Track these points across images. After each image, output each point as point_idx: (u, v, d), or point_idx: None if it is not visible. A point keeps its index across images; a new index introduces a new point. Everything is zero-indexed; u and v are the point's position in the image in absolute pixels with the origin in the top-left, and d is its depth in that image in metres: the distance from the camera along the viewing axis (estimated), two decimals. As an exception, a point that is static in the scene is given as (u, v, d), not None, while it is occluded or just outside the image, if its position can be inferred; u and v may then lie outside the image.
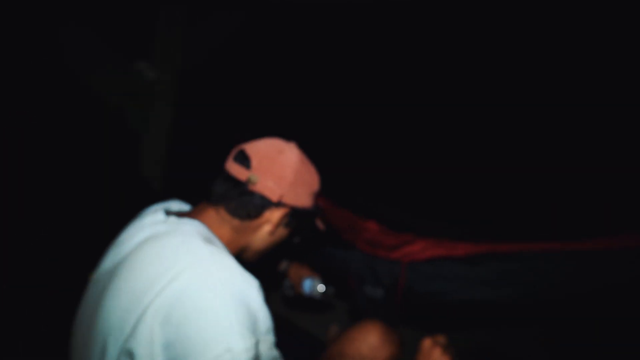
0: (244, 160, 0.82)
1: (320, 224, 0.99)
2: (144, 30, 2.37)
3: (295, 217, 0.87)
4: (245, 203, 0.81)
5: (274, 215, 0.83)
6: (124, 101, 2.26)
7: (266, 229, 0.84)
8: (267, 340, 0.68)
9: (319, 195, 1.91)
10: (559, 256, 1.34)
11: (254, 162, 0.81)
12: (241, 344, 0.62)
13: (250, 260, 0.90)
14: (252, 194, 0.81)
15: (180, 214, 0.84)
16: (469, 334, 1.86)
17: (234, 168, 0.82)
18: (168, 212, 0.84)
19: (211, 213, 0.83)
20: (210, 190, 0.85)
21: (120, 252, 0.78)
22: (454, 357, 0.80)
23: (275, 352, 0.70)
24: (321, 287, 1.39)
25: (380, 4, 4.04)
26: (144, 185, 2.28)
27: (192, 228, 0.76)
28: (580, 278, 1.35)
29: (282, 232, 0.88)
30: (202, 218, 0.81)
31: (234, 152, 0.85)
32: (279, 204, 0.82)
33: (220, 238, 0.81)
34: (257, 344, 0.65)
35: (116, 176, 2.89)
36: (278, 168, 0.81)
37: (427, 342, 0.81)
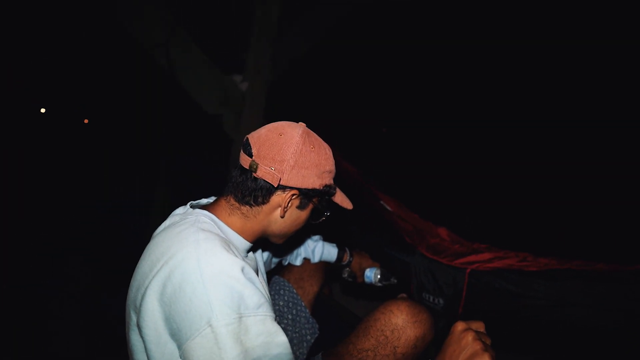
0: (247, 148, 0.84)
1: (347, 204, 0.96)
2: (238, 46, 2.67)
3: (307, 198, 0.87)
4: (250, 190, 0.83)
5: (282, 199, 0.84)
6: (220, 109, 2.56)
7: (277, 213, 0.86)
8: (258, 315, 0.71)
9: (383, 195, 1.91)
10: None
11: (254, 149, 0.83)
12: (220, 319, 0.66)
13: (277, 242, 0.95)
14: (255, 180, 0.83)
15: (199, 207, 0.90)
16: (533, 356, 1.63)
17: (241, 157, 0.85)
18: (193, 205, 0.91)
19: (222, 203, 0.87)
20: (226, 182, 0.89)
21: (154, 235, 0.88)
22: (489, 346, 0.74)
23: (270, 326, 0.72)
24: (382, 275, 1.42)
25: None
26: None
27: (195, 218, 0.82)
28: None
29: (297, 214, 0.89)
30: (214, 208, 0.87)
31: (243, 142, 0.88)
32: (283, 188, 0.83)
33: (231, 226, 0.85)
34: (240, 319, 0.68)
35: (212, 173, 3.29)
36: (277, 151, 0.81)
37: (459, 326, 0.78)
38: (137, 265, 0.81)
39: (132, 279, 0.80)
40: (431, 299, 1.53)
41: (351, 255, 1.43)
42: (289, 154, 0.81)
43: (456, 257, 1.50)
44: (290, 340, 1.16)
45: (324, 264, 1.40)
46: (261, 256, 1.09)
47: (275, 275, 1.34)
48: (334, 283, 1.67)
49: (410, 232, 1.73)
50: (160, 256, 0.75)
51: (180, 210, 0.90)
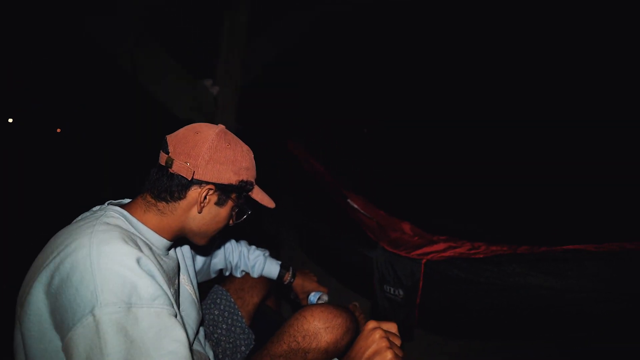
0: (165, 146, 0.86)
1: (267, 202, 0.96)
2: (209, 52, 2.71)
3: (225, 193, 0.87)
4: (166, 186, 0.84)
5: (198, 194, 0.84)
6: (191, 114, 2.59)
7: (195, 209, 0.86)
8: (153, 307, 0.69)
9: (351, 194, 1.96)
10: (597, 257, 1.19)
11: (171, 146, 0.84)
12: (104, 308, 0.64)
13: (199, 243, 0.94)
14: (171, 176, 0.83)
15: (114, 204, 0.88)
16: (486, 342, 1.70)
17: (160, 157, 0.86)
18: (111, 203, 0.89)
19: (138, 201, 0.87)
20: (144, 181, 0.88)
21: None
22: (395, 345, 0.78)
23: (166, 320, 0.69)
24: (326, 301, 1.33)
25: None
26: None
27: (103, 213, 0.81)
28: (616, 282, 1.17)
29: (216, 210, 0.89)
30: (129, 206, 0.87)
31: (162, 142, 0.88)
32: (199, 182, 0.84)
33: (146, 223, 0.85)
34: (129, 309, 0.66)
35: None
36: (192, 147, 0.83)
37: (370, 324, 0.80)
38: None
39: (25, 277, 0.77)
40: (392, 291, 1.59)
41: (293, 276, 1.38)
42: (204, 149, 0.83)
43: (413, 249, 1.56)
44: (223, 351, 1.16)
45: (266, 279, 1.37)
46: (191, 259, 1.09)
47: (215, 285, 1.33)
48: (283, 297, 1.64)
49: (374, 228, 1.79)
50: (54, 249, 0.73)
51: (96, 207, 0.89)
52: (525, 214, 3.72)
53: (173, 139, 0.85)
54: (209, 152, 0.84)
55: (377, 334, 0.78)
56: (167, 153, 0.84)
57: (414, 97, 6.10)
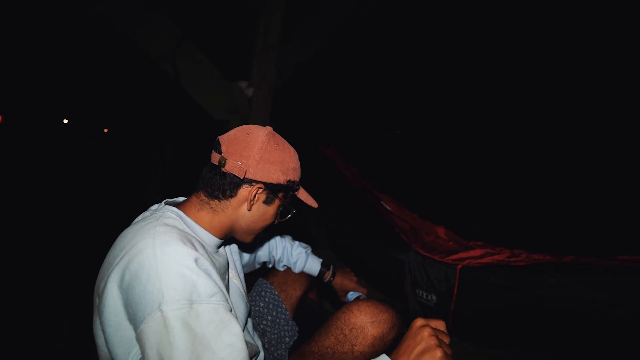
0: (217, 147, 0.90)
1: (311, 202, 1.00)
2: (244, 54, 2.77)
3: (273, 192, 0.91)
4: (219, 184, 0.88)
5: (248, 192, 0.88)
6: (227, 115, 2.65)
7: (245, 207, 0.91)
8: (211, 303, 0.75)
9: (384, 196, 1.93)
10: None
11: (224, 146, 0.89)
12: (170, 304, 0.70)
13: (245, 240, 0.98)
14: (224, 174, 0.88)
15: (171, 204, 0.94)
16: (522, 353, 1.60)
17: (212, 156, 0.90)
18: (167, 203, 0.95)
19: (192, 199, 0.92)
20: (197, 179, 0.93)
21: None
22: (445, 343, 0.77)
23: (223, 315, 0.75)
24: None
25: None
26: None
27: (162, 214, 0.87)
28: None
29: (264, 209, 0.93)
30: (184, 205, 0.92)
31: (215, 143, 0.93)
32: (250, 181, 0.88)
33: (198, 220, 0.90)
34: (190, 305, 0.72)
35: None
36: (244, 147, 0.87)
37: (418, 322, 0.80)
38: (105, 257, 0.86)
39: (99, 270, 0.85)
40: (424, 296, 1.55)
41: (333, 275, 1.40)
42: (255, 150, 0.87)
43: (448, 254, 1.51)
44: (269, 341, 1.20)
45: (307, 275, 1.40)
46: (238, 255, 1.13)
47: (260, 278, 1.37)
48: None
49: (407, 230, 1.75)
50: (123, 247, 0.80)
51: (154, 207, 0.95)
52: (570, 222, 3.52)
53: (225, 140, 0.90)
54: (260, 153, 0.88)
55: (426, 332, 0.78)
56: (220, 153, 0.89)
57: (450, 98, 5.93)
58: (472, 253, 1.47)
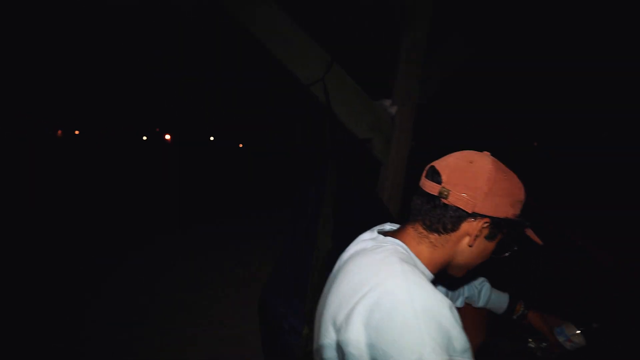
0: (434, 175, 0.84)
1: (536, 238, 0.90)
2: (386, 72, 2.77)
3: (498, 228, 0.84)
4: (439, 217, 0.83)
5: (472, 227, 0.82)
6: (370, 133, 2.68)
7: (465, 242, 0.84)
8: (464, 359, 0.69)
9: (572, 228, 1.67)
10: None
11: (444, 175, 0.83)
12: (433, 357, 0.64)
13: (456, 275, 0.91)
14: (445, 207, 0.82)
15: (387, 233, 0.92)
16: None
17: (426, 184, 0.85)
18: (380, 232, 0.93)
19: (409, 231, 0.88)
20: (409, 209, 0.89)
21: (343, 257, 0.93)
22: None
23: None
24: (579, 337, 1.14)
25: None
26: (384, 206, 2.59)
27: (392, 247, 0.83)
28: None
29: (485, 244, 0.86)
30: (402, 237, 0.88)
31: (425, 169, 0.88)
32: (475, 215, 0.81)
33: (419, 255, 0.85)
34: None
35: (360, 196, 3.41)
36: (470, 178, 0.80)
37: None
38: (334, 283, 0.86)
39: (328, 295, 0.85)
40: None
41: (527, 307, 1.24)
42: (482, 181, 0.80)
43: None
44: None
45: (487, 313, 1.26)
46: (444, 291, 1.09)
47: None
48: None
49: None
50: (364, 281, 0.77)
51: (367, 235, 0.93)
52: None
53: (444, 168, 0.84)
54: (488, 184, 0.81)
55: None
56: (439, 183, 0.83)
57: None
58: None
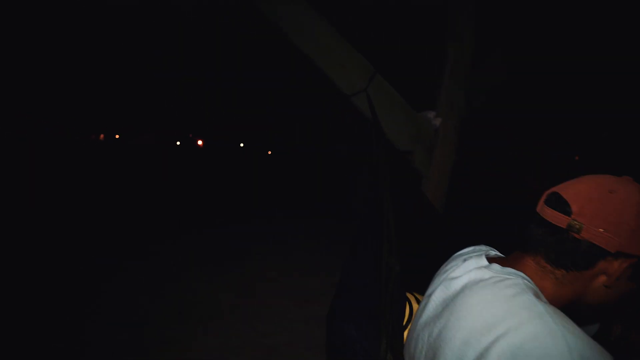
0: (559, 204, 0.73)
1: None
2: (431, 83, 2.73)
3: None
4: (569, 252, 0.72)
5: (612, 266, 0.71)
6: (411, 145, 2.63)
7: (601, 281, 0.73)
8: None
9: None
10: None
11: (575, 206, 0.71)
12: None
13: (583, 317, 0.79)
14: (577, 242, 0.71)
15: (503, 263, 0.80)
16: None
17: (548, 214, 0.74)
18: (488, 258, 0.82)
19: (529, 263, 0.77)
20: (523, 237, 0.79)
21: (451, 286, 0.80)
22: None
23: None
24: None
25: None
26: (424, 219, 2.53)
27: (520, 281, 0.72)
28: None
29: (626, 285, 0.75)
30: (523, 269, 0.76)
31: (545, 195, 0.78)
32: (618, 255, 0.70)
33: (542, 291, 0.74)
34: None
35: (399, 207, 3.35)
36: (611, 212, 0.69)
37: None
38: (443, 313, 0.76)
39: (441, 326, 0.75)
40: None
41: (626, 329, 1.08)
42: (629, 215, 0.69)
43: None
44: None
45: None
46: None
47: None
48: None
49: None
50: (495, 319, 0.66)
51: (474, 263, 0.81)
52: None
53: (575, 197, 0.73)
54: (636, 220, 0.69)
55: None
56: (568, 214, 0.72)
57: None
58: None
